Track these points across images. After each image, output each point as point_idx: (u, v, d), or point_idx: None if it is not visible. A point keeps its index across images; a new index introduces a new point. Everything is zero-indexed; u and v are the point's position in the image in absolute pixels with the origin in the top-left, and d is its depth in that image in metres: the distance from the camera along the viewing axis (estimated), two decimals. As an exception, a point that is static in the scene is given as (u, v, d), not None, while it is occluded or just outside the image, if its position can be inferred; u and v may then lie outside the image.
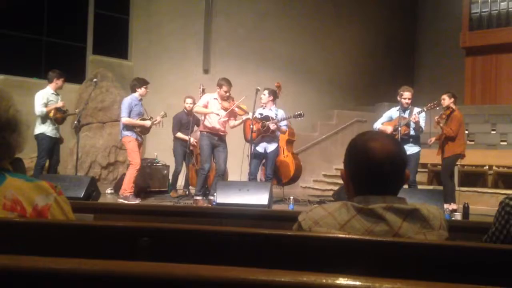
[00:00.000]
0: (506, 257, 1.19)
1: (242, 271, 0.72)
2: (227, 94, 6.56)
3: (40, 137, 6.41)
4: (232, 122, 6.77)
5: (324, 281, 0.68)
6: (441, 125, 6.65)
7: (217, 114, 6.51)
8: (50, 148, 6.54)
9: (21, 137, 1.43)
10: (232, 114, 6.70)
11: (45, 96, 6.49)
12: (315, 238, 1.29)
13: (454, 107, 6.74)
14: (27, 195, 1.36)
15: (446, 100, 6.72)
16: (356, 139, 1.45)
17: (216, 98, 6.60)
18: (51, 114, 6.41)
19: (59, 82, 6.68)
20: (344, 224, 1.31)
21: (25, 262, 0.73)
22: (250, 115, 6.70)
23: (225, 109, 6.55)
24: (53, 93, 6.64)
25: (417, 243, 1.24)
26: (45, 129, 6.44)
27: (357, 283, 0.68)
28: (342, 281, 0.69)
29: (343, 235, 1.27)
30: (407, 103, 6.40)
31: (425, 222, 1.32)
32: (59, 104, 6.61)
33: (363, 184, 1.39)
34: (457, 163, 7.02)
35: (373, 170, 1.36)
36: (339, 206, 1.36)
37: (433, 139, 6.84)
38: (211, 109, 6.55)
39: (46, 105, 6.45)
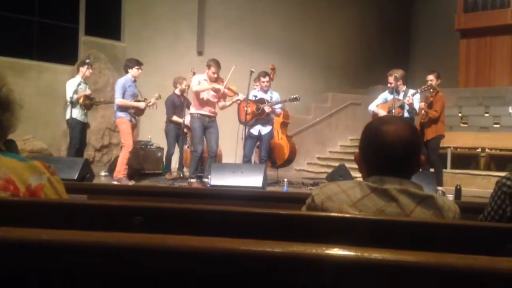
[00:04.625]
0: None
1: (234, 242, 0.73)
2: (215, 75, 6.54)
3: (73, 122, 6.65)
4: (222, 103, 6.77)
5: (314, 251, 0.69)
6: (426, 109, 6.53)
7: (218, 89, 6.49)
8: (81, 132, 6.78)
9: (14, 116, 1.41)
10: (222, 95, 6.69)
11: (75, 84, 6.72)
12: (304, 217, 1.30)
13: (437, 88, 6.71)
14: (20, 174, 1.36)
15: (434, 81, 6.63)
16: (371, 122, 1.46)
17: (205, 79, 6.58)
18: (81, 101, 6.67)
19: (86, 71, 6.86)
20: (356, 201, 1.33)
21: (17, 234, 0.74)
22: (240, 96, 6.70)
23: (216, 90, 6.56)
24: (81, 82, 6.85)
25: (414, 222, 1.25)
26: (75, 114, 6.66)
27: (347, 253, 0.69)
28: (332, 251, 0.70)
29: (334, 214, 1.29)
30: (390, 83, 6.50)
31: (438, 211, 1.33)
32: (87, 92, 6.86)
33: (375, 167, 1.40)
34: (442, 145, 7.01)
35: (385, 152, 1.37)
36: (353, 185, 1.38)
37: None
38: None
39: (76, 92, 6.67)
